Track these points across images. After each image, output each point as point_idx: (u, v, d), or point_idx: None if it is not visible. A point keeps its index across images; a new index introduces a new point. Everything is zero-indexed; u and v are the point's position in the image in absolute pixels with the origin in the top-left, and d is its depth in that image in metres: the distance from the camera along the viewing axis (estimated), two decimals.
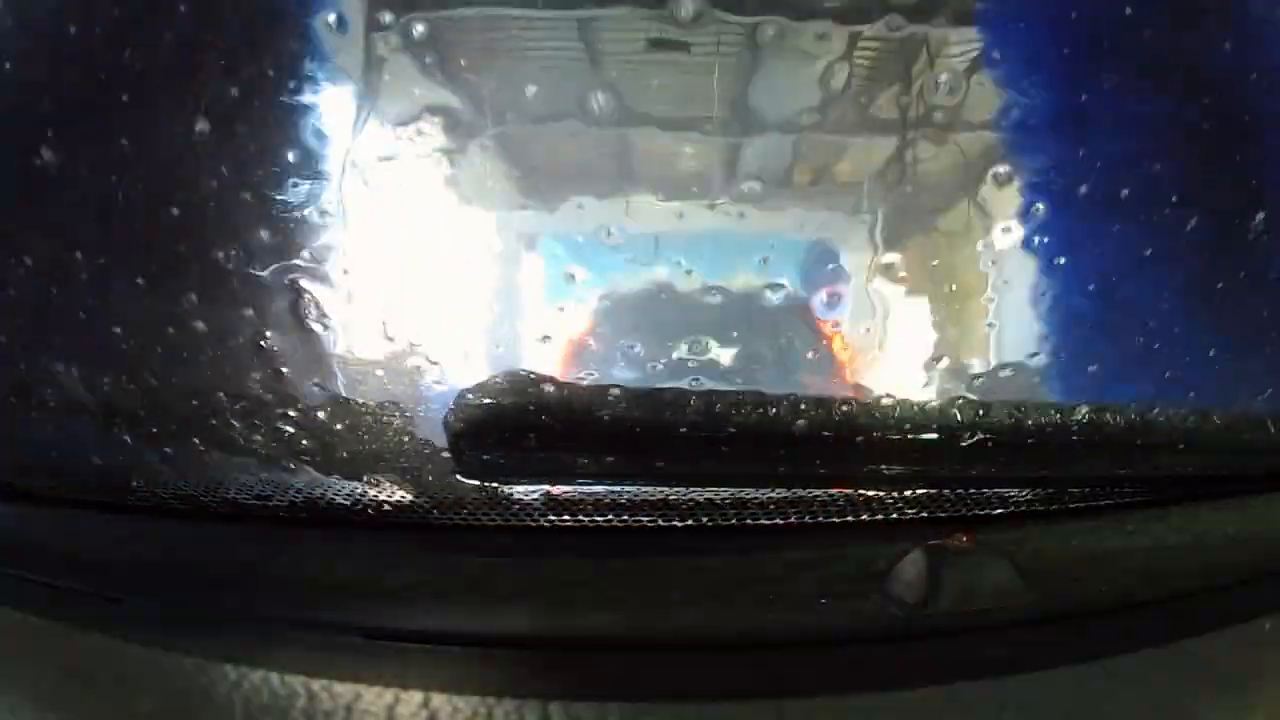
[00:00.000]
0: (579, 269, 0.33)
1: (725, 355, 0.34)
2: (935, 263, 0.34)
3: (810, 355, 0.34)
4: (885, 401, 0.34)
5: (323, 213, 0.33)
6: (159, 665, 0.32)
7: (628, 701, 0.29)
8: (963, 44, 0.32)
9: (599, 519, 0.38)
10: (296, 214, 0.33)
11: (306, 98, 0.33)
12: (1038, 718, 0.29)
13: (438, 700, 0.29)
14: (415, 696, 0.29)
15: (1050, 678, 0.30)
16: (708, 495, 0.37)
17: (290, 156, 0.33)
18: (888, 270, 0.34)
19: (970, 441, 0.35)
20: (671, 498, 0.37)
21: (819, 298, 0.34)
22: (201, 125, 0.33)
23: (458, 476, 0.36)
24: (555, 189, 0.33)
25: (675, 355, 0.33)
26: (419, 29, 0.32)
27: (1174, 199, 0.35)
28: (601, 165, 0.33)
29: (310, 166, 0.33)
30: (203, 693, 0.30)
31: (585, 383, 0.34)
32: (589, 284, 0.33)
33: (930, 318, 0.34)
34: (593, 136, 0.32)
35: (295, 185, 0.33)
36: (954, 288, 0.34)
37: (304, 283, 0.34)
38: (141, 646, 0.33)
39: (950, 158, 0.33)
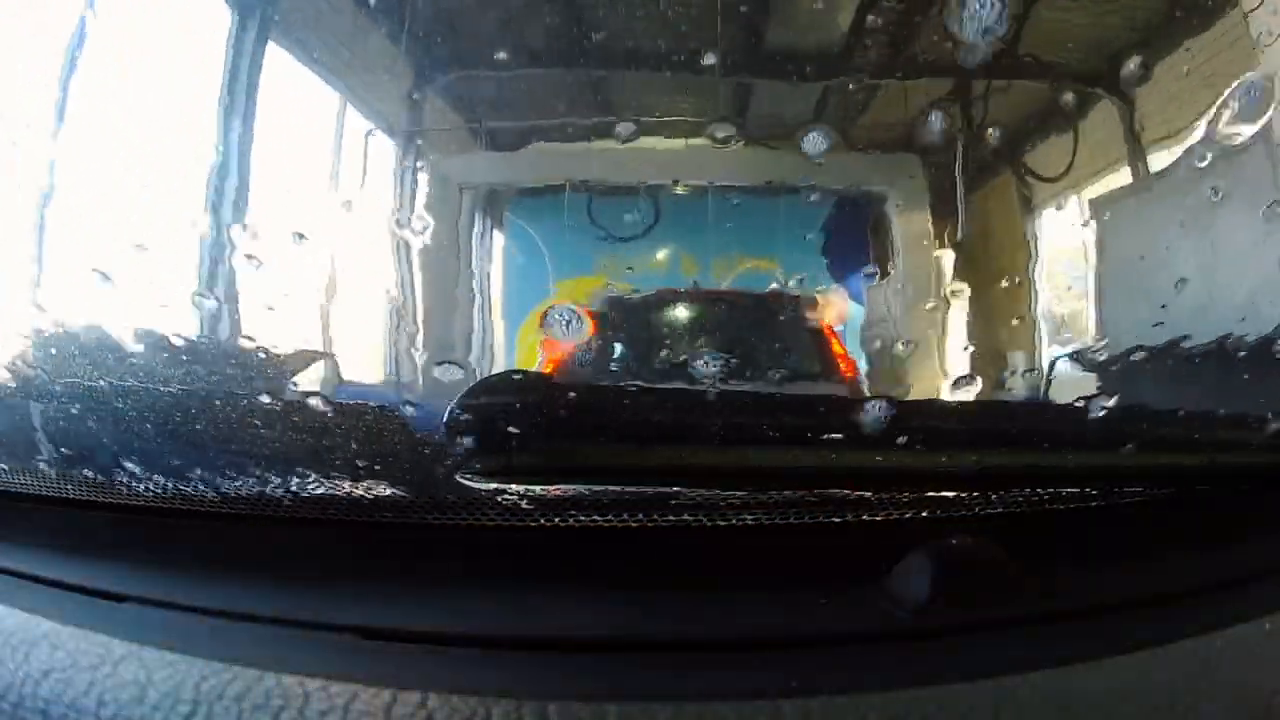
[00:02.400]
0: (567, 248, 0.32)
1: (725, 343, 0.33)
2: (975, 235, 0.32)
3: (814, 347, 0.33)
4: (889, 399, 0.34)
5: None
6: (158, 664, 0.32)
7: (627, 701, 0.29)
8: None
9: (598, 519, 0.38)
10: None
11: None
12: (1038, 718, 0.29)
13: (435, 700, 0.29)
14: (413, 697, 0.29)
15: (1050, 677, 0.30)
16: (708, 495, 0.37)
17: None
18: (915, 246, 0.32)
19: (976, 440, 0.35)
20: (671, 498, 0.37)
21: (830, 284, 0.33)
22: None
23: (459, 476, 0.36)
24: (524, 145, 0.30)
25: (670, 345, 0.33)
26: None
27: None
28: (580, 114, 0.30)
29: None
30: (200, 692, 0.30)
31: (585, 381, 0.34)
32: (580, 266, 0.32)
33: (959, 298, 0.33)
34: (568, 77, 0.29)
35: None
36: (996, 266, 0.33)
37: (296, 276, 0.34)
38: (141, 646, 0.33)
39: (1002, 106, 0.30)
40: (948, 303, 0.33)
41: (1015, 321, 0.34)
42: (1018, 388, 0.34)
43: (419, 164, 0.32)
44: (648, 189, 0.31)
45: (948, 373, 0.34)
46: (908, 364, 0.34)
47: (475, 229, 0.33)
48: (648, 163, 0.31)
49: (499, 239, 0.33)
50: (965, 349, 0.34)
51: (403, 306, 0.33)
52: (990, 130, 0.31)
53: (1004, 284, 0.33)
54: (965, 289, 0.33)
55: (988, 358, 0.34)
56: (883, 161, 0.32)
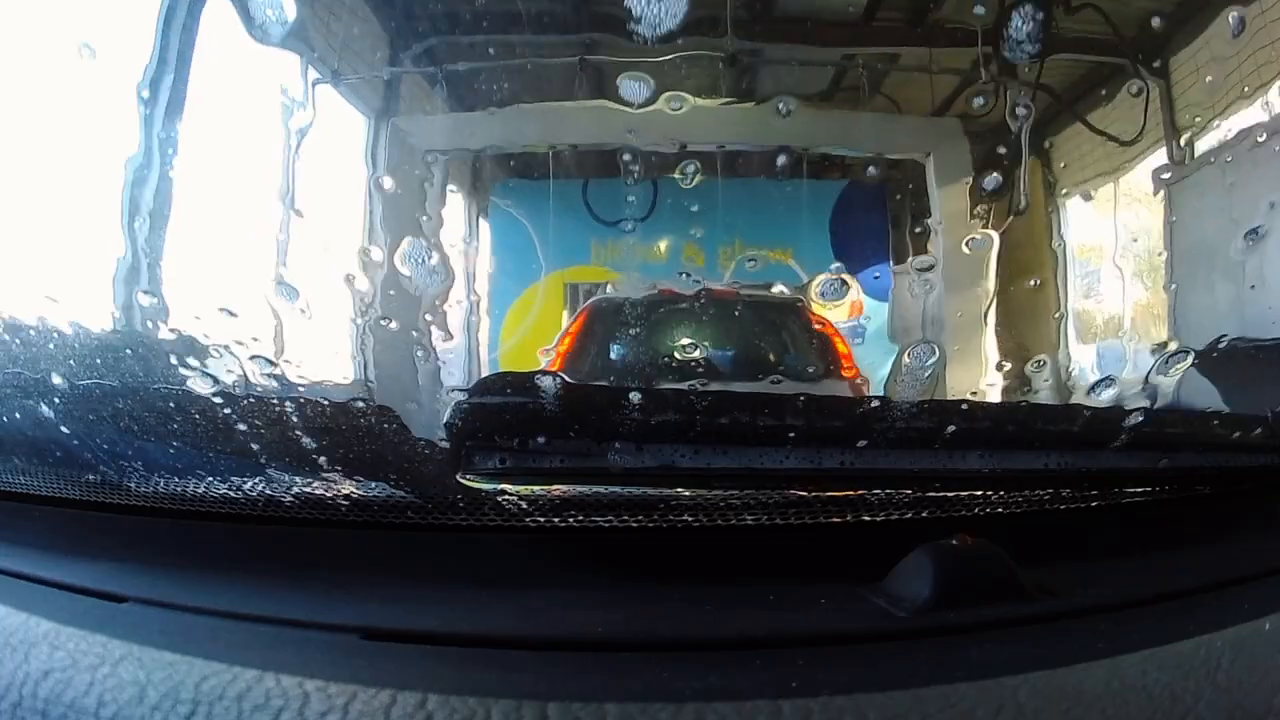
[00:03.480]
0: (564, 238, 0.31)
1: (726, 341, 0.32)
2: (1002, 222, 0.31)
3: (817, 346, 0.33)
4: (891, 399, 0.34)
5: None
6: (158, 664, 0.32)
7: (627, 701, 0.29)
8: None
9: (598, 519, 0.38)
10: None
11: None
12: (1038, 718, 0.29)
13: (435, 700, 0.29)
14: (413, 697, 0.29)
15: (1050, 677, 0.30)
16: (707, 496, 0.37)
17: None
18: (919, 243, 0.31)
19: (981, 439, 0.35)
20: (671, 498, 0.37)
21: (835, 282, 0.32)
22: None
23: (460, 477, 0.36)
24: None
25: (670, 342, 0.32)
26: None
27: None
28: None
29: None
30: (200, 692, 0.30)
31: (585, 381, 0.34)
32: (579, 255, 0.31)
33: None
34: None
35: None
36: (1007, 267, 0.32)
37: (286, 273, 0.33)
38: (141, 646, 0.33)
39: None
40: (951, 303, 0.33)
41: (1018, 322, 0.34)
42: (1019, 388, 0.34)
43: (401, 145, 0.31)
44: (647, 173, 0.30)
45: (949, 373, 0.34)
46: (910, 364, 0.34)
47: (468, 220, 0.32)
48: (647, 145, 0.30)
49: (493, 229, 0.32)
50: (967, 349, 0.34)
51: (400, 305, 0.33)
52: (1019, 115, 0.30)
53: (1011, 287, 0.33)
54: (969, 290, 0.33)
55: (988, 359, 0.34)
56: (889, 155, 0.31)
